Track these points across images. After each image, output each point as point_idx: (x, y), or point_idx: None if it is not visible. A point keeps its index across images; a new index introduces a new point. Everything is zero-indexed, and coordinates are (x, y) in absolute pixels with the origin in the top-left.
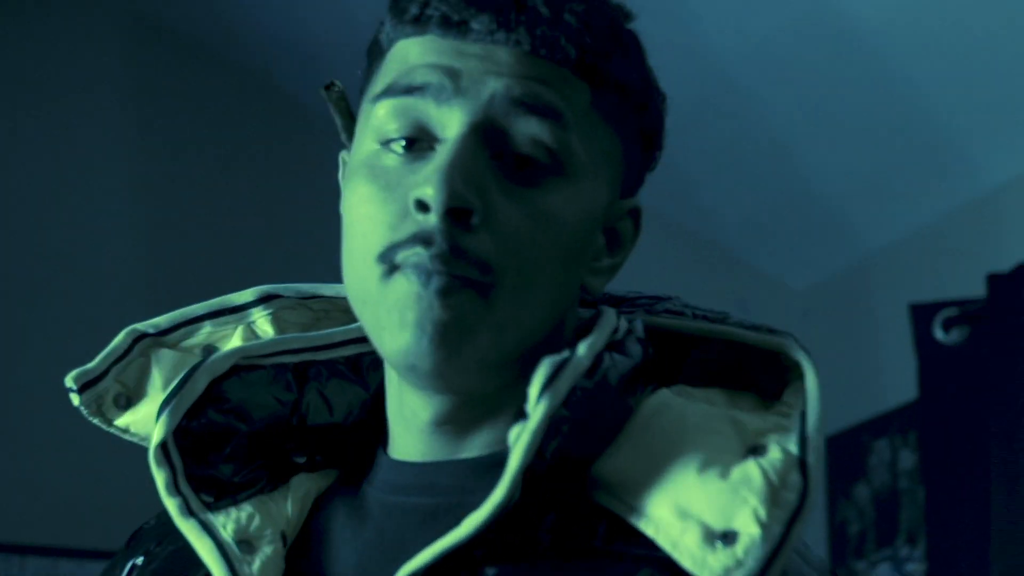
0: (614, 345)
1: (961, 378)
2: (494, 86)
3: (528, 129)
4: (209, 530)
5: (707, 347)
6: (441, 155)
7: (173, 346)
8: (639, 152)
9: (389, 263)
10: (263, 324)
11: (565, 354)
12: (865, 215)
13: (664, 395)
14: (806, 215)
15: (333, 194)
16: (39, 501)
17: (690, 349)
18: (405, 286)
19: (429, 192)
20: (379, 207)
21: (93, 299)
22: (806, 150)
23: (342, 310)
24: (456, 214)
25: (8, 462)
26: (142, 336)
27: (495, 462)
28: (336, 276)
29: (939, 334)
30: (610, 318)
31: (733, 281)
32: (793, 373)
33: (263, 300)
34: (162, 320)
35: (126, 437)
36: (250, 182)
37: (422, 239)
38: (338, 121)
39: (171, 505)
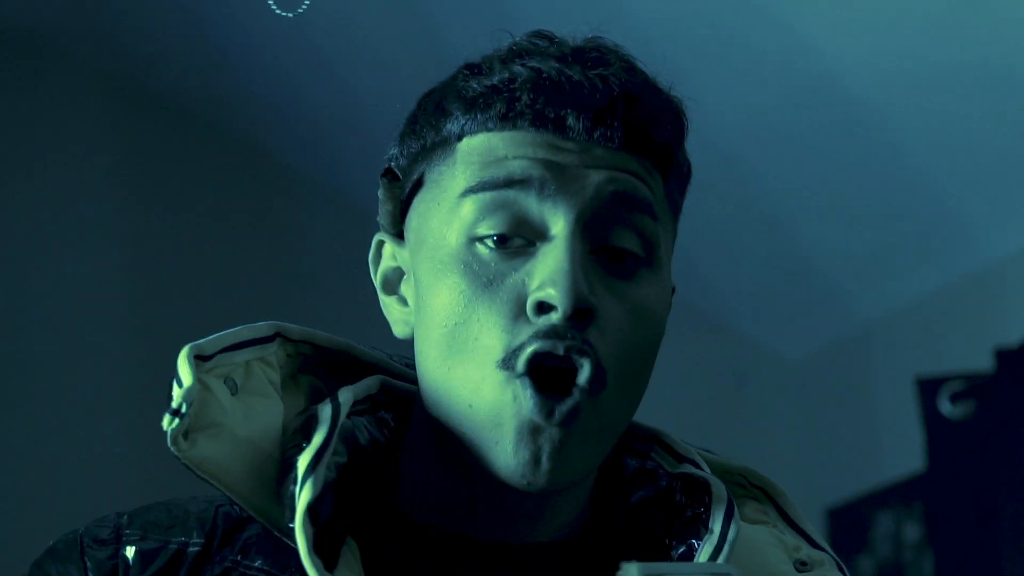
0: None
1: (969, 452)
2: (596, 181)
3: (629, 224)
4: None
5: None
6: (557, 255)
7: (207, 372)
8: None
9: (512, 369)
10: (269, 361)
11: (712, 480)
12: (863, 286)
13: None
14: (804, 286)
15: (323, 259)
16: None
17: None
18: (532, 405)
19: (553, 294)
20: (487, 308)
21: (78, 371)
22: (804, 223)
23: (298, 354)
24: (581, 315)
25: None
26: (196, 358)
27: (569, 548)
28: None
29: (945, 408)
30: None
31: (731, 353)
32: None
33: (276, 336)
34: (208, 343)
35: (199, 472)
36: (241, 249)
37: (552, 335)
38: (387, 207)
39: (313, 570)
